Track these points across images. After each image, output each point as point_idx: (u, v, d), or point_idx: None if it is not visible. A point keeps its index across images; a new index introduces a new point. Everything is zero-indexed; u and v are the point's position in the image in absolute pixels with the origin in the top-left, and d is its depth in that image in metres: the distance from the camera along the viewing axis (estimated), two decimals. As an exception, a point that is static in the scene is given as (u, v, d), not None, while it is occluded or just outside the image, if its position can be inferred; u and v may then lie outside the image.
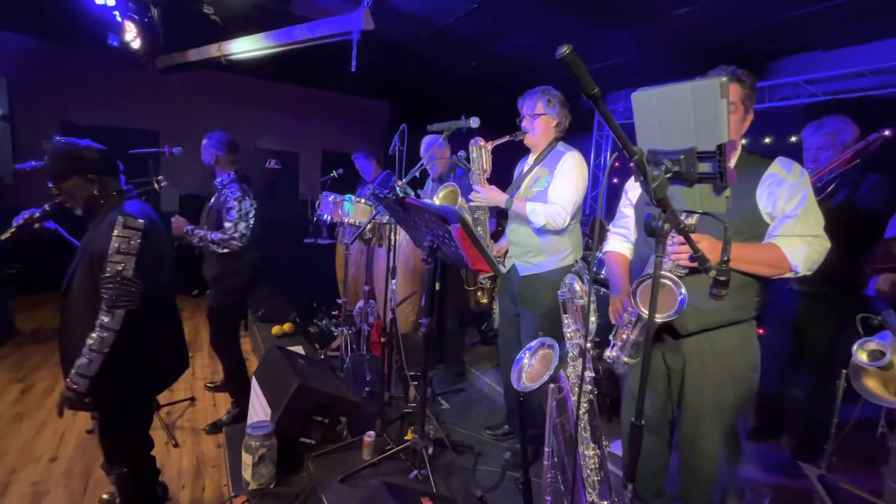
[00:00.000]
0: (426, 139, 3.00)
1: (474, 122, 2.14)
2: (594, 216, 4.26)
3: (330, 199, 2.89)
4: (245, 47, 3.77)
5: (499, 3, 3.28)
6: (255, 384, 2.44)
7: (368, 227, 2.75)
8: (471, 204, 2.32)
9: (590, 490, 1.57)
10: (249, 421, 2.36)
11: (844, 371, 1.42)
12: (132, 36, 3.77)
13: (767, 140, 3.79)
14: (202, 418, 2.80)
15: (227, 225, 2.49)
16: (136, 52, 3.88)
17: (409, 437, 2.21)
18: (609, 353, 1.60)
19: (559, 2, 3.21)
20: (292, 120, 6.11)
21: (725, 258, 1.10)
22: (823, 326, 2.20)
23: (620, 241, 1.80)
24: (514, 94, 2.23)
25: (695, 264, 1.37)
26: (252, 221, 2.54)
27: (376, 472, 2.14)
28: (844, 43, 3.50)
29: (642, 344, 1.53)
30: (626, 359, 1.54)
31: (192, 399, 3.00)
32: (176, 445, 2.53)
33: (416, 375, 2.11)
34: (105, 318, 1.52)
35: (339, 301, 3.07)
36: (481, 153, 2.20)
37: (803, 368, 2.31)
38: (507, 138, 2.19)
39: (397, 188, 1.80)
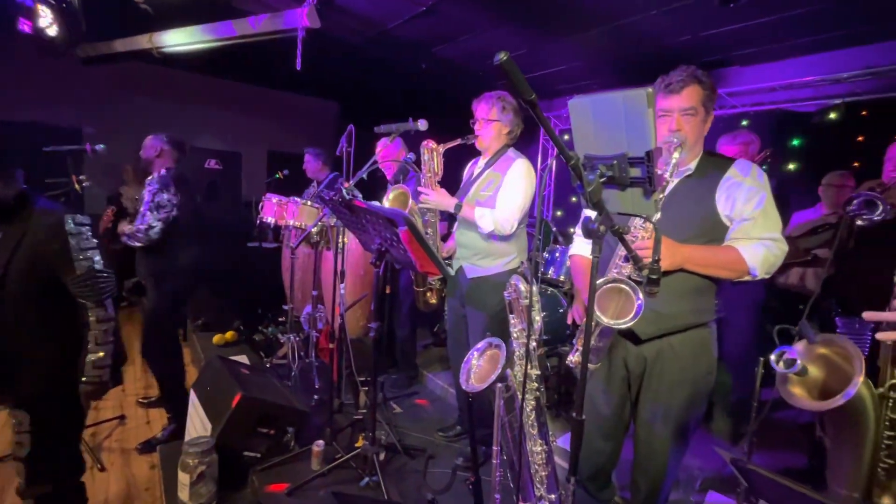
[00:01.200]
0: (383, 140, 2.98)
1: (422, 125, 2.14)
2: (542, 218, 4.39)
3: (274, 200, 2.78)
4: (180, 40, 3.55)
5: (447, 7, 3.30)
6: (193, 397, 2.30)
7: (315, 230, 2.67)
8: (420, 206, 2.32)
9: (538, 485, 1.61)
10: (187, 437, 2.22)
11: (762, 358, 1.55)
12: (48, 22, 3.42)
13: (696, 147, 4.07)
14: (133, 437, 2.59)
15: (140, 217, 2.37)
16: (54, 39, 3.53)
17: (359, 444, 2.17)
18: (571, 359, 1.61)
19: (507, 9, 3.28)
20: (234, 118, 5.82)
21: (656, 258, 1.16)
22: (747, 315, 2.41)
23: (584, 244, 1.79)
24: (464, 97, 2.25)
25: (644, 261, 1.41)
26: (169, 214, 2.40)
27: (326, 483, 2.08)
28: (759, 60, 3.85)
29: (603, 349, 1.57)
30: (588, 365, 1.57)
31: (122, 417, 2.77)
32: (102, 469, 2.32)
33: (367, 381, 2.08)
34: (99, 313, 1.58)
35: (286, 307, 2.96)
36: (433, 155, 2.21)
37: (730, 356, 2.50)
38: (458, 141, 2.21)
39: (343, 190, 1.76)
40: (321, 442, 2.21)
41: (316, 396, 2.76)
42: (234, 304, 3.96)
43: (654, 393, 1.55)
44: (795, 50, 3.57)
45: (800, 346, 0.86)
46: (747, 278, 1.43)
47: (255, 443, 2.18)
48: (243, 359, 3.22)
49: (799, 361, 0.82)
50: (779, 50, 3.61)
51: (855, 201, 1.80)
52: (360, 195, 2.19)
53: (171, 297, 2.50)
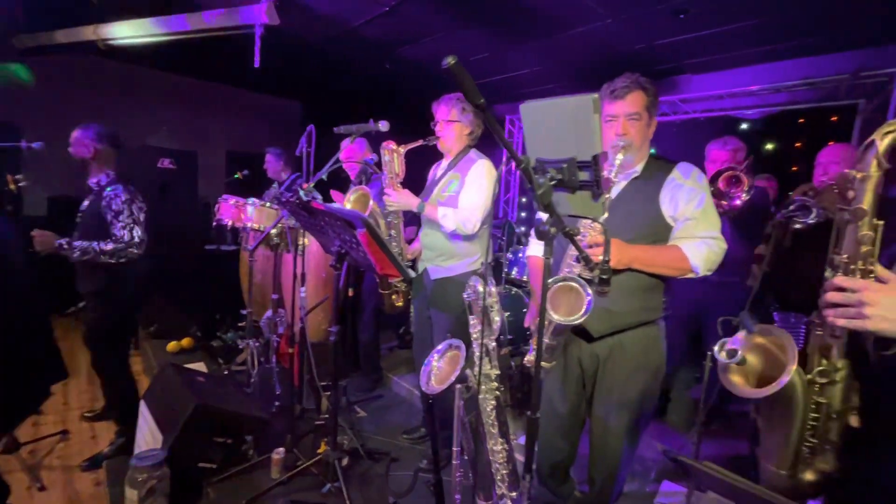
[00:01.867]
0: (346, 141, 2.94)
1: (383, 126, 2.13)
2: (506, 220, 4.45)
3: (231, 202, 2.69)
4: (128, 32, 3.37)
5: (410, 9, 3.30)
6: (143, 408, 2.19)
7: (275, 232, 2.60)
8: (384, 209, 2.30)
9: (499, 483, 1.63)
10: (137, 451, 2.11)
11: (709, 353, 1.63)
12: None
13: (652, 151, 4.24)
14: (77, 454, 2.43)
15: (120, 233, 2.20)
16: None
17: (321, 450, 2.13)
18: (528, 359, 1.65)
19: (469, 13, 3.30)
20: (190, 116, 5.58)
21: (606, 258, 1.20)
22: (725, 309, 2.52)
23: (539, 246, 1.85)
24: (429, 98, 2.25)
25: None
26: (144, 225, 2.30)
27: (287, 491, 2.04)
28: (709, 69, 4.06)
29: (558, 347, 1.60)
30: (543, 363, 1.60)
31: (65, 433, 2.60)
32: (42, 489, 2.17)
33: (329, 385, 2.04)
34: None
35: (244, 312, 2.87)
36: (393, 157, 2.19)
37: (696, 351, 2.60)
38: (419, 142, 2.21)
39: (301, 192, 1.73)
40: (281, 449, 2.16)
41: (277, 403, 2.69)
42: (191, 309, 3.79)
43: (607, 389, 1.60)
44: (741, 60, 3.78)
45: (740, 336, 0.92)
46: (690, 275, 1.49)
47: (211, 453, 2.10)
48: (200, 366, 3.10)
49: (739, 352, 0.87)
50: (726, 60, 3.82)
51: (791, 206, 1.93)
52: (320, 197, 2.16)
53: (124, 306, 2.37)
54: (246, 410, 2.23)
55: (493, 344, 1.56)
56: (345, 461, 2.17)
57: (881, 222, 0.77)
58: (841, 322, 0.75)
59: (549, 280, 1.47)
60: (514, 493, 1.63)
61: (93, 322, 2.34)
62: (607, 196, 1.49)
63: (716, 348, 0.92)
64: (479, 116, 2.17)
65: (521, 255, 3.54)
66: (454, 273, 2.18)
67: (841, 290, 0.75)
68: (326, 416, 2.31)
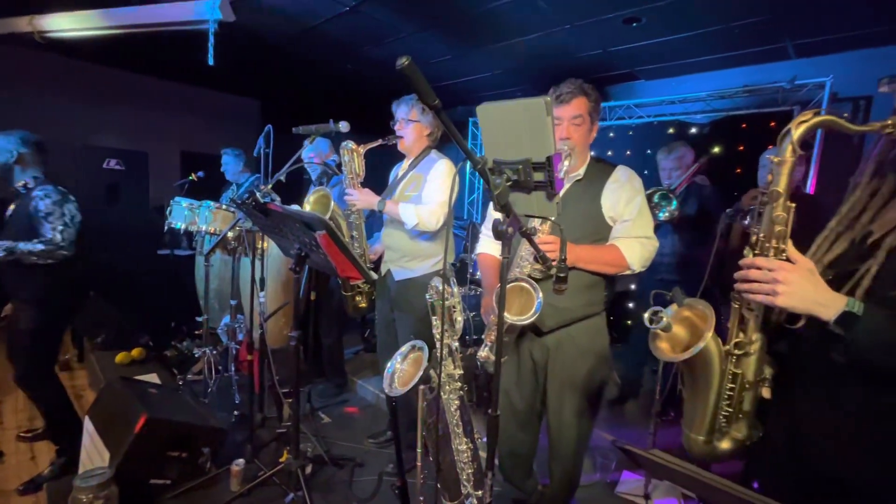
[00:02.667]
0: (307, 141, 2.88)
1: (343, 127, 2.10)
2: (471, 220, 4.49)
3: (184, 205, 2.57)
4: (68, 25, 3.16)
5: (371, 9, 3.27)
6: (88, 425, 2.06)
7: (232, 235, 2.51)
8: (345, 210, 2.27)
9: (465, 483, 1.64)
10: (81, 470, 1.98)
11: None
12: None
13: (610, 153, 4.41)
14: (14, 477, 2.26)
15: (49, 234, 2.08)
16: None
17: (283, 458, 2.07)
18: (481, 354, 1.69)
19: (430, 16, 3.32)
20: (141, 115, 5.29)
21: (563, 257, 1.24)
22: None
23: (490, 243, 1.89)
24: (391, 99, 2.24)
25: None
26: (78, 227, 2.16)
27: (248, 503, 1.97)
28: (661, 75, 4.26)
29: (510, 343, 1.65)
30: (494, 358, 1.63)
31: (0, 455, 2.41)
32: (-28, 516, 2.00)
33: (290, 392, 1.99)
34: None
35: (200, 318, 2.75)
36: (353, 157, 2.17)
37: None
38: (379, 142, 2.19)
39: (257, 193, 1.68)
40: (241, 461, 2.08)
41: (236, 412, 2.60)
42: (142, 317, 3.60)
43: (559, 376, 1.68)
44: (690, 68, 3.99)
45: (671, 308, 0.98)
46: (627, 272, 1.61)
47: (165, 468, 2.01)
48: (153, 378, 2.94)
49: (664, 318, 0.93)
50: (676, 67, 4.02)
51: (733, 210, 2.10)
52: (278, 198, 2.10)
53: (56, 315, 2.22)
54: (202, 421, 2.14)
55: (456, 344, 1.58)
56: (308, 469, 2.12)
57: (793, 205, 0.85)
58: (756, 298, 0.83)
59: (503, 280, 1.52)
60: (479, 492, 1.64)
61: (18, 332, 2.17)
62: (559, 199, 1.55)
63: (645, 316, 0.97)
64: (443, 117, 2.18)
65: (485, 255, 3.57)
66: (418, 274, 2.17)
67: (758, 268, 0.83)
68: (289, 423, 2.25)
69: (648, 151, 4.09)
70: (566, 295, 1.56)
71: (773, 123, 3.49)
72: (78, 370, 3.47)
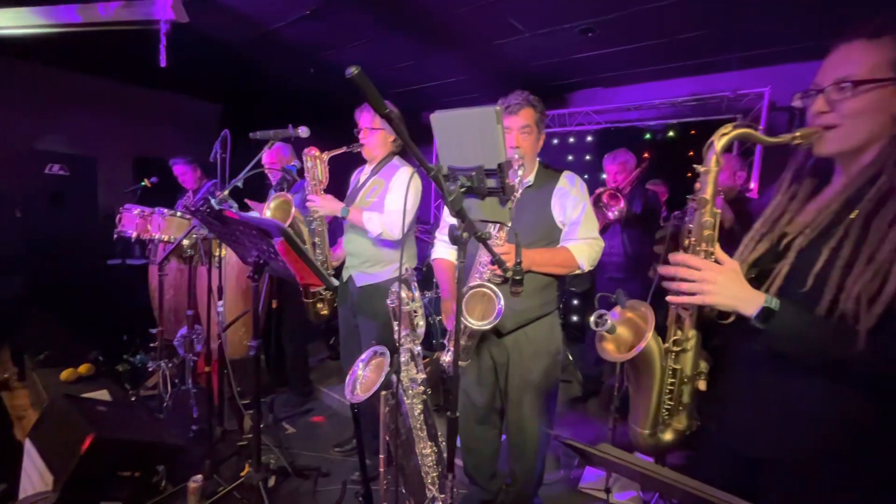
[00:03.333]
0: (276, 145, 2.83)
1: (303, 132, 2.07)
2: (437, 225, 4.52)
3: (135, 212, 2.46)
4: (6, 22, 2.98)
5: (333, 13, 3.25)
6: (29, 448, 1.94)
7: (188, 243, 2.43)
8: (307, 216, 2.24)
9: (430, 486, 1.65)
10: (22, 495, 1.86)
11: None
12: None
13: (570, 157, 4.55)
14: (-56, 507, 2.09)
15: None
16: None
17: (245, 472, 2.01)
18: (445, 359, 1.72)
19: (392, 21, 3.33)
20: (88, 118, 5.00)
21: (518, 261, 1.28)
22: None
23: (446, 248, 1.93)
24: (355, 104, 2.23)
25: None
26: None
27: (205, 521, 1.90)
28: (617, 83, 4.43)
29: (471, 347, 1.68)
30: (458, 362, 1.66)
31: (-73, 484, 2.22)
32: None
33: (251, 403, 1.94)
34: None
35: (154, 330, 2.64)
36: (316, 163, 2.15)
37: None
38: (343, 149, 2.18)
39: (212, 200, 1.64)
40: (199, 477, 2.00)
41: (194, 427, 2.50)
42: (92, 331, 3.40)
43: (517, 373, 1.74)
44: (643, 77, 4.18)
45: (616, 310, 1.03)
46: (578, 272, 1.71)
47: (116, 490, 1.91)
48: (103, 394, 2.79)
49: (609, 320, 0.98)
50: (631, 76, 4.20)
51: (679, 213, 2.21)
52: (235, 205, 2.05)
53: None
54: (156, 438, 2.05)
55: (418, 349, 1.59)
56: (271, 482, 2.08)
57: (719, 210, 0.92)
58: (684, 299, 0.90)
59: (465, 287, 1.56)
60: (444, 495, 1.66)
61: None
62: (511, 205, 1.62)
63: (591, 319, 1.02)
64: (397, 125, 2.18)
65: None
66: (380, 279, 2.17)
67: (689, 268, 0.89)
68: (250, 435, 2.19)
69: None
70: (523, 296, 1.64)
71: (718, 130, 3.70)
72: (19, 389, 3.24)
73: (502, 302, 1.46)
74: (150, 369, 2.72)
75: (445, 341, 1.70)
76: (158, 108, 5.58)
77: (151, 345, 3.14)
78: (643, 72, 4.05)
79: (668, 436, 1.00)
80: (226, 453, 2.34)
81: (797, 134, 0.89)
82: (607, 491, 2.14)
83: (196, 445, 2.35)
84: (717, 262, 0.91)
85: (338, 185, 2.42)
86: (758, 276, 0.93)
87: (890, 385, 0.80)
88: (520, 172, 1.54)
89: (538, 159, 1.76)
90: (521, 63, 3.95)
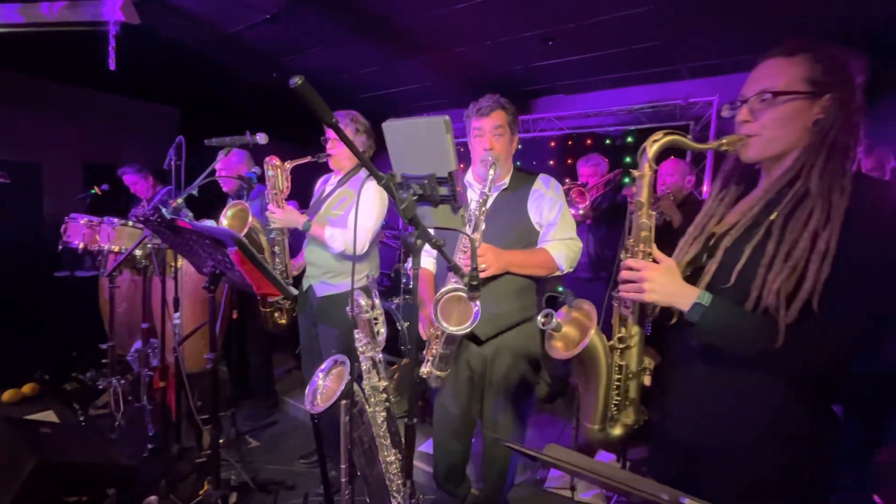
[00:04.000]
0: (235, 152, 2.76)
1: (261, 139, 2.03)
2: (405, 231, 4.50)
3: (82, 221, 2.34)
4: (-63, 21, 2.79)
5: (293, 18, 3.21)
6: (-38, 476, 1.80)
7: (141, 253, 2.33)
8: (266, 225, 2.19)
9: (394, 494, 1.63)
10: (-46, 529, 1.73)
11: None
12: None
13: (534, 162, 4.64)
14: None
15: None
16: None
17: (204, 490, 1.94)
18: (423, 370, 1.68)
19: (355, 26, 3.32)
20: (33, 123, 4.72)
21: (474, 266, 1.29)
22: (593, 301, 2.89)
23: (427, 257, 1.90)
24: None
25: (482, 276, 1.56)
26: None
27: (161, 543, 1.82)
28: (578, 91, 4.57)
29: (451, 356, 1.64)
30: (437, 373, 1.62)
31: None
32: None
33: (209, 418, 1.88)
34: None
35: (104, 346, 2.51)
36: (277, 172, 2.10)
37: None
38: (308, 159, 2.14)
39: (163, 210, 1.58)
40: (153, 498, 1.93)
41: (150, 445, 2.39)
42: (37, 348, 3.21)
43: (495, 382, 1.72)
44: (602, 84, 4.32)
45: (563, 310, 1.06)
46: (557, 273, 1.70)
47: (61, 516, 1.80)
48: (49, 415, 2.64)
49: (555, 319, 1.01)
50: (591, 84, 4.33)
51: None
52: (191, 214, 1.99)
53: None
54: (107, 459, 1.95)
55: (380, 356, 1.58)
56: (232, 498, 2.01)
57: (654, 213, 0.98)
58: (627, 295, 0.94)
59: (440, 291, 1.54)
60: (411, 502, 1.65)
61: None
62: (483, 208, 1.62)
63: (539, 318, 1.05)
64: (372, 137, 2.17)
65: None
66: (341, 290, 2.14)
67: (630, 269, 0.94)
68: (209, 452, 2.12)
69: (569, 161, 4.36)
70: (500, 300, 1.64)
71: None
72: (-46, 414, 3.01)
73: (478, 304, 1.42)
74: (100, 387, 2.58)
75: (425, 352, 1.67)
76: (111, 111, 5.32)
77: (103, 361, 2.99)
78: (602, 80, 4.19)
79: (617, 430, 1.04)
80: (184, 471, 2.25)
81: (723, 141, 0.95)
82: (572, 489, 2.19)
83: (151, 465, 2.25)
84: (655, 261, 0.96)
85: (304, 191, 2.37)
86: (692, 275, 0.98)
87: (811, 373, 0.86)
88: (492, 173, 1.53)
89: (517, 163, 1.75)
90: (485, 69, 4.01)
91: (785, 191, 0.89)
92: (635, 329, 1.00)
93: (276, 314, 2.22)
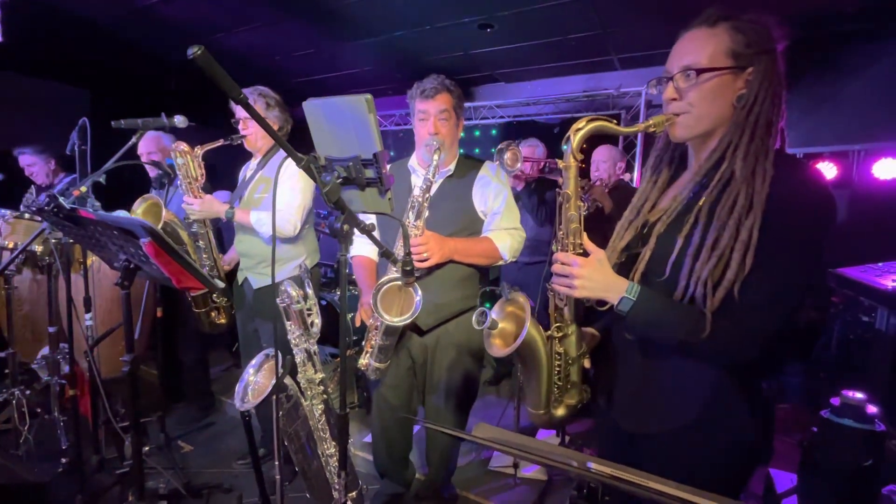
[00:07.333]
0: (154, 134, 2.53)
1: (179, 121, 1.87)
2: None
3: (-34, 215, 2.06)
4: None
5: (217, -7, 2.98)
6: None
7: (43, 249, 2.09)
8: (184, 219, 2.04)
9: (335, 486, 1.60)
10: None
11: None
12: None
13: (477, 150, 4.68)
14: None
15: None
16: None
17: (128, 502, 1.80)
18: (362, 362, 1.64)
19: (286, 5, 3.13)
20: None
21: (407, 251, 1.27)
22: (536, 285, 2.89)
23: (363, 244, 1.85)
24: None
25: (426, 264, 1.53)
26: None
27: (78, 564, 1.67)
28: (517, 79, 4.63)
29: (390, 347, 1.61)
30: (376, 364, 1.60)
31: None
32: None
33: (129, 426, 1.73)
34: None
35: (2, 354, 2.24)
36: (188, 159, 1.94)
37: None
38: (220, 142, 2.00)
39: (61, 198, 1.42)
40: (67, 515, 1.76)
41: (64, 459, 2.17)
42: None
43: (437, 375, 1.71)
44: (540, 73, 4.41)
45: (496, 307, 1.06)
46: (500, 262, 1.71)
47: (-46, 547, 1.60)
48: (-62, 436, 2.33)
49: (489, 317, 1.01)
50: (529, 72, 4.41)
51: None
52: (97, 203, 1.81)
53: None
54: (9, 479, 1.76)
55: (315, 348, 1.53)
56: (161, 508, 1.88)
57: (584, 203, 0.98)
58: (559, 289, 0.94)
59: (379, 282, 1.50)
60: (353, 494, 1.62)
61: None
62: (427, 195, 1.58)
63: (472, 318, 1.05)
64: (286, 111, 2.06)
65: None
66: (278, 279, 2.04)
67: (562, 263, 0.93)
68: (130, 461, 1.96)
69: (511, 149, 4.43)
70: (442, 289, 1.62)
71: (606, 125, 4.04)
72: None
73: (420, 294, 1.41)
74: (0, 400, 2.31)
75: (364, 343, 1.62)
76: (10, 92, 4.71)
77: (4, 371, 2.68)
78: (541, 68, 4.27)
79: (560, 411, 1.05)
80: (105, 484, 2.07)
81: (650, 122, 0.91)
82: (515, 466, 2.26)
83: (66, 480, 2.05)
84: (585, 252, 0.94)
85: (231, 180, 2.23)
86: (627, 261, 0.98)
87: (741, 361, 0.88)
88: (436, 158, 1.47)
89: (460, 150, 1.72)
90: (425, 56, 3.96)
91: (712, 174, 0.87)
92: (571, 318, 1.00)
93: (213, 314, 2.08)
